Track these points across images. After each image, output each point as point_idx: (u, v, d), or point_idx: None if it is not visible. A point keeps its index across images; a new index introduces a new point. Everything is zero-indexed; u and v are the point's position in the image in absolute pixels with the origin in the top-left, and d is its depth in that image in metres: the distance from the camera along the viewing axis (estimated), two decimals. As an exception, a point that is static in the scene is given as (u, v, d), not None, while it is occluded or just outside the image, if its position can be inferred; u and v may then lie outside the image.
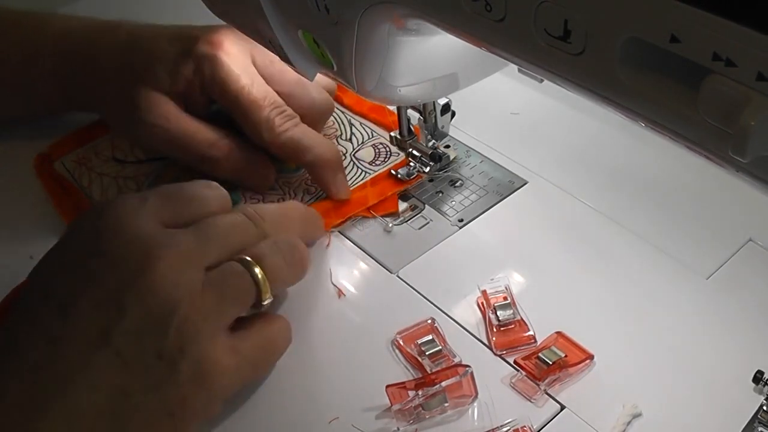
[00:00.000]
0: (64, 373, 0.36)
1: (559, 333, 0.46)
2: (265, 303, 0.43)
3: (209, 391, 0.39)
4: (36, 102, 0.62)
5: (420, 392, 0.42)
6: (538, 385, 0.44)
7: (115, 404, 0.37)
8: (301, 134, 0.55)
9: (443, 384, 0.42)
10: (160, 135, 0.55)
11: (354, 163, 0.59)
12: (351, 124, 0.63)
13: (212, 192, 0.45)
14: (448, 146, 0.60)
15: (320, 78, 0.59)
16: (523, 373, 0.44)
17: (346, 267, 0.52)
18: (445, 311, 0.48)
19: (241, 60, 0.55)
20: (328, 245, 0.53)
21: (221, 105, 0.57)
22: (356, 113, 0.64)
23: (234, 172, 0.56)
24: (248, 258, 0.42)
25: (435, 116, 0.55)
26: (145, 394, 0.37)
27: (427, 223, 0.55)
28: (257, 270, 0.42)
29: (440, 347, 0.45)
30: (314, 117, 0.57)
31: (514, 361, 0.45)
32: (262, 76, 0.56)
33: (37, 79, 0.60)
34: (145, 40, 0.57)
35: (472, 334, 0.47)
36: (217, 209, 0.45)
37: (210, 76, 0.55)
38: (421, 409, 0.42)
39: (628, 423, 0.42)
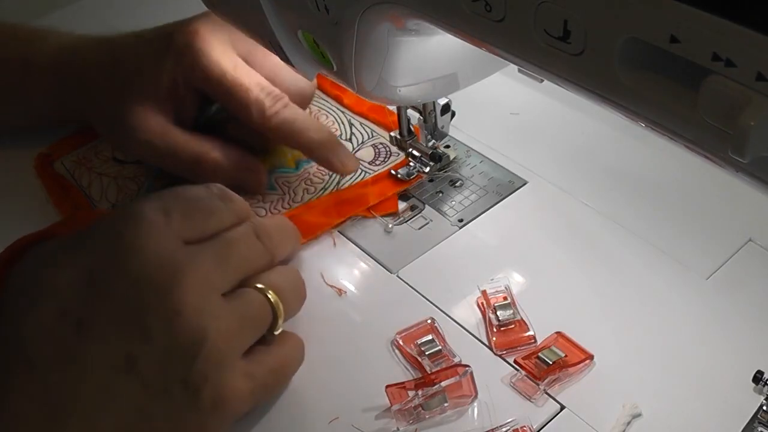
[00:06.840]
0: (85, 397, 0.36)
1: (559, 333, 0.46)
2: (277, 333, 0.43)
3: (225, 417, 0.39)
4: (33, 114, 0.62)
5: (420, 392, 0.42)
6: (538, 385, 0.44)
7: (134, 428, 0.36)
8: (293, 116, 0.54)
9: (443, 384, 0.42)
10: (148, 152, 0.55)
11: (354, 163, 0.59)
12: (351, 124, 0.63)
13: (229, 204, 0.45)
14: (448, 146, 0.60)
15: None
16: (523, 372, 0.44)
17: (346, 267, 0.52)
18: (445, 311, 0.48)
19: (219, 45, 0.55)
20: (334, 245, 0.53)
21: (207, 93, 0.56)
22: (356, 113, 0.64)
23: (225, 181, 0.55)
24: (265, 287, 0.42)
25: (435, 116, 0.55)
26: (165, 420, 0.37)
27: (427, 223, 0.55)
28: (273, 299, 0.42)
29: (440, 347, 0.45)
30: (296, 100, 0.57)
31: (514, 361, 0.45)
32: (244, 60, 0.55)
33: (33, 92, 0.60)
34: (128, 51, 0.57)
35: (472, 334, 0.47)
36: (233, 222, 0.44)
37: (190, 65, 0.54)
38: (421, 409, 0.42)
39: (628, 423, 0.42)
